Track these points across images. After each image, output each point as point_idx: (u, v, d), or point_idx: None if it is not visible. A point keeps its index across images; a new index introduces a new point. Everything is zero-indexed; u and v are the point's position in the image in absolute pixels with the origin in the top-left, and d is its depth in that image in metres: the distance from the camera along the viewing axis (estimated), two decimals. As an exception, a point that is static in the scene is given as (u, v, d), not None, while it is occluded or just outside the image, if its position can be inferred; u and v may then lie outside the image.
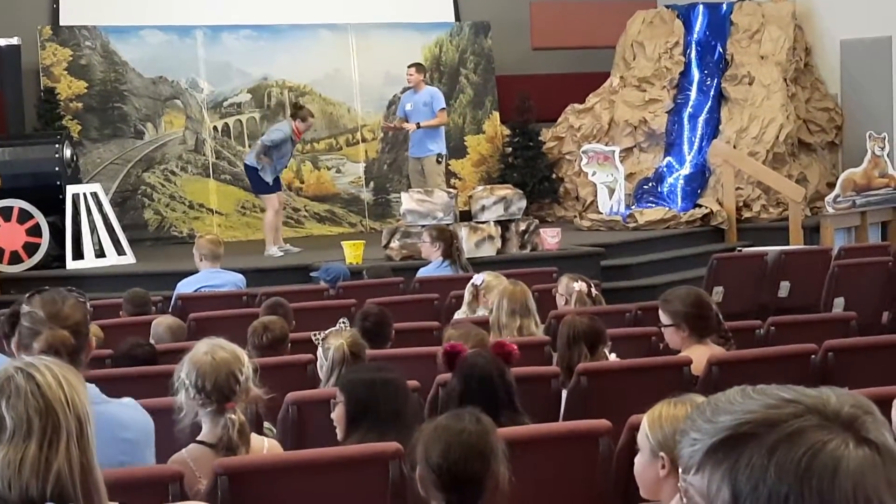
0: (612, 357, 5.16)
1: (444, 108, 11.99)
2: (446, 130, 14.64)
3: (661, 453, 2.76)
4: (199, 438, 3.63)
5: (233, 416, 3.53)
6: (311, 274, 9.79)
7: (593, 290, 6.68)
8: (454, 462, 2.75)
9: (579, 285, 6.56)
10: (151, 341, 5.86)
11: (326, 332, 4.82)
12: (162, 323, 6.24)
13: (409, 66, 12.21)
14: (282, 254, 11.44)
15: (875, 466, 1.29)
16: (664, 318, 5.13)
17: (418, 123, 11.71)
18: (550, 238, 10.86)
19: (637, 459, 2.90)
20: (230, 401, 3.54)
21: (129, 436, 3.41)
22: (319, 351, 4.72)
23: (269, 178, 11.32)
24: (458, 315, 6.75)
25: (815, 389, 1.35)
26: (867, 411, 1.33)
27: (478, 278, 6.86)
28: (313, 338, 4.96)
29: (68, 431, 2.16)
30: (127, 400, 3.56)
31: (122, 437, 3.35)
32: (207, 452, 3.58)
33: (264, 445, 3.69)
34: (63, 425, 2.16)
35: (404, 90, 14.27)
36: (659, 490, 2.82)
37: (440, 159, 11.90)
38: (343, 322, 5.29)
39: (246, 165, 11.73)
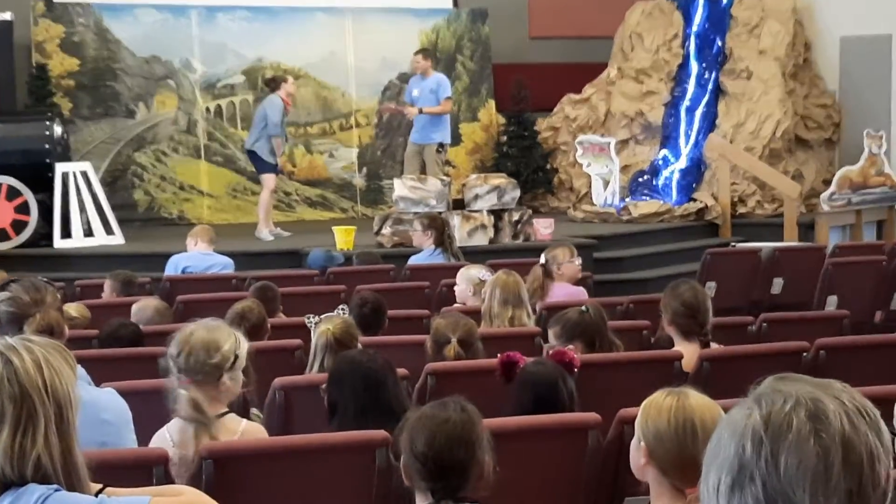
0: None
1: (449, 98, 11.88)
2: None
3: (642, 443, 2.77)
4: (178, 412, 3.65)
5: (184, 392, 3.57)
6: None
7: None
8: (439, 450, 2.75)
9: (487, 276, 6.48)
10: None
11: (321, 316, 4.78)
12: (147, 306, 6.19)
13: (415, 53, 12.14)
14: (272, 238, 11.41)
15: None
16: (661, 306, 5.11)
17: (421, 109, 11.64)
18: (543, 229, 10.83)
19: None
20: (194, 376, 3.58)
21: (107, 417, 3.44)
22: (312, 335, 4.71)
23: (273, 160, 11.31)
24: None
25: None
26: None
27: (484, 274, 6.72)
28: (307, 321, 4.92)
29: (46, 418, 2.14)
30: (106, 388, 3.57)
31: (102, 419, 3.37)
32: (185, 425, 3.61)
33: (239, 428, 3.65)
34: (40, 412, 2.13)
35: (399, 75, 14.25)
36: (643, 475, 2.83)
37: (440, 149, 11.82)
38: (342, 309, 5.25)
39: (248, 151, 11.74)
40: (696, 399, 2.76)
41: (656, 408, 2.78)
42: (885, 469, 1.34)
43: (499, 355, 4.00)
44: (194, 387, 3.57)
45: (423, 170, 11.65)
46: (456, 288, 6.77)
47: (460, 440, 2.76)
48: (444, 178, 11.20)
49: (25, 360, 2.16)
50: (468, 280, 6.65)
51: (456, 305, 6.56)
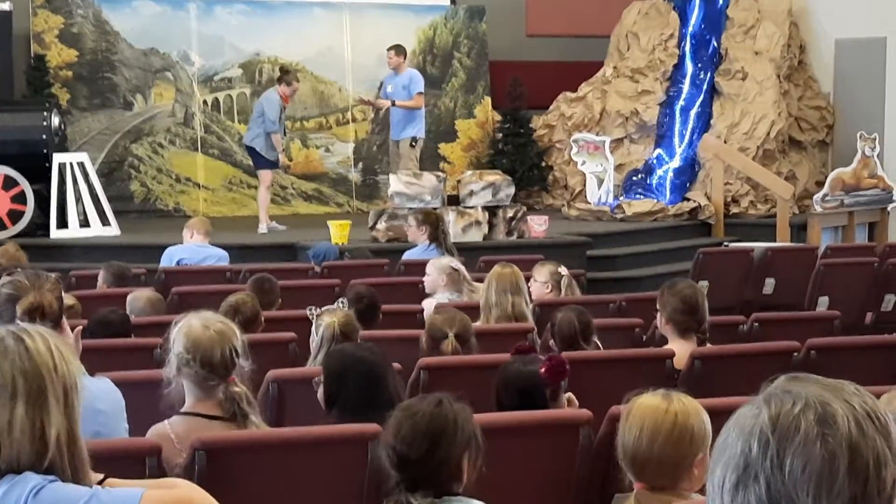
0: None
1: (421, 93, 11.90)
2: (437, 113, 14.64)
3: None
4: (186, 409, 3.59)
5: (237, 389, 3.53)
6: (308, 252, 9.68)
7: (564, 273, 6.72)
8: (401, 441, 2.77)
9: (564, 270, 6.60)
10: (130, 315, 5.83)
11: (323, 308, 4.80)
12: (140, 296, 6.21)
13: (388, 49, 12.14)
14: (266, 231, 11.44)
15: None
16: (658, 303, 5.14)
17: (393, 101, 11.69)
18: (538, 226, 10.85)
19: None
20: (230, 374, 3.54)
21: (101, 407, 3.43)
22: (314, 326, 4.72)
23: (272, 155, 11.39)
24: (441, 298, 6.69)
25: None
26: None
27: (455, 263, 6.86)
28: (309, 313, 4.94)
29: (55, 397, 2.16)
30: (99, 377, 3.58)
31: (96, 409, 3.36)
32: (200, 424, 3.54)
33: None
34: (49, 390, 2.16)
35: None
36: None
37: (414, 143, 11.88)
38: (342, 302, 5.28)
39: (246, 146, 11.81)
40: (644, 399, 2.82)
41: (627, 410, 2.86)
42: (892, 474, 1.34)
43: (544, 358, 3.96)
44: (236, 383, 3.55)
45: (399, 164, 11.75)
46: (426, 279, 6.79)
47: (424, 434, 2.76)
48: (440, 173, 11.24)
49: (37, 340, 2.19)
50: (440, 269, 6.70)
51: (451, 300, 6.58)
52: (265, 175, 11.59)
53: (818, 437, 1.32)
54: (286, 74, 11.75)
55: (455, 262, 6.87)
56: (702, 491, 2.67)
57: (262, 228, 11.49)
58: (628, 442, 2.76)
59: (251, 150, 11.64)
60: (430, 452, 2.76)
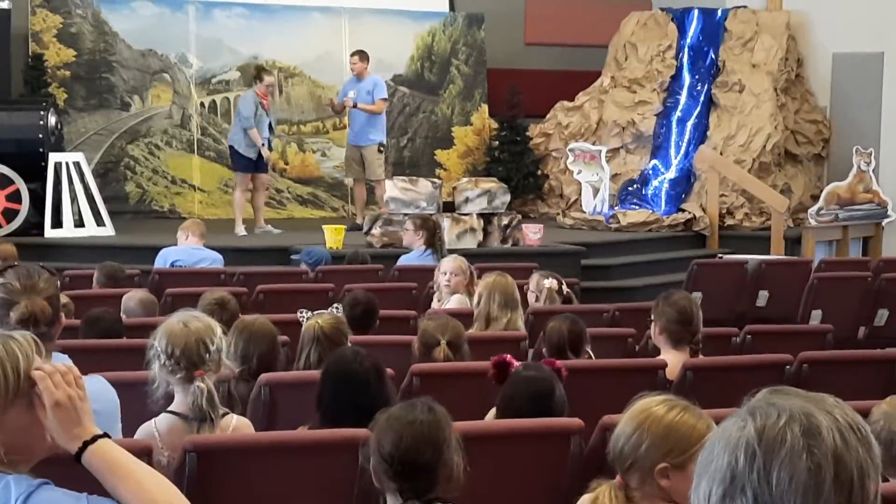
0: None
1: (384, 99, 11.94)
2: (434, 120, 14.67)
3: None
4: (170, 409, 3.61)
5: (201, 384, 3.52)
6: (293, 257, 9.75)
7: (564, 287, 6.68)
8: (405, 451, 2.77)
9: (549, 282, 6.58)
10: (123, 316, 5.82)
11: (315, 312, 4.80)
12: (133, 297, 6.21)
13: (351, 55, 12.15)
14: (244, 234, 11.39)
15: None
16: (653, 314, 5.15)
17: (355, 103, 11.71)
18: (532, 234, 10.85)
19: None
20: (198, 368, 3.54)
21: (96, 407, 3.40)
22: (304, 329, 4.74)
23: (251, 153, 11.34)
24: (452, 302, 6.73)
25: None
26: None
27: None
28: (300, 316, 4.94)
29: None
30: (94, 376, 3.56)
31: (91, 409, 3.34)
32: (178, 423, 3.56)
33: (231, 422, 3.66)
34: None
35: (394, 77, 14.27)
36: None
37: (381, 149, 11.94)
38: (336, 307, 5.27)
39: (229, 147, 11.84)
40: (643, 399, 2.84)
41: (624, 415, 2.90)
42: (875, 484, 1.35)
43: (491, 357, 4.00)
44: (202, 378, 3.55)
45: (364, 171, 11.77)
46: (454, 279, 6.78)
47: (427, 441, 2.78)
48: (436, 180, 11.26)
49: None
50: (465, 268, 6.81)
51: (446, 306, 6.59)
52: (241, 178, 11.58)
53: (804, 449, 1.33)
54: (260, 72, 11.80)
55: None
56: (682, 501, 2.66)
57: (240, 231, 11.44)
58: (614, 435, 2.79)
59: (231, 150, 11.69)
60: (435, 458, 2.78)
